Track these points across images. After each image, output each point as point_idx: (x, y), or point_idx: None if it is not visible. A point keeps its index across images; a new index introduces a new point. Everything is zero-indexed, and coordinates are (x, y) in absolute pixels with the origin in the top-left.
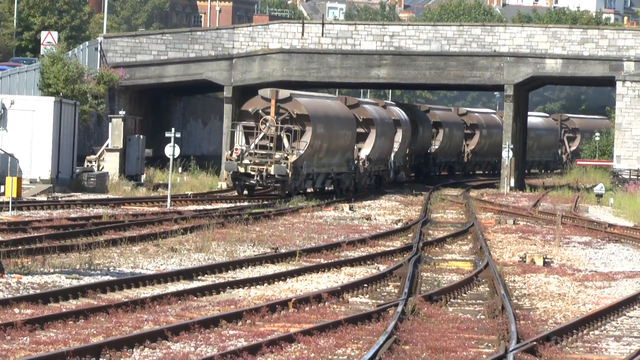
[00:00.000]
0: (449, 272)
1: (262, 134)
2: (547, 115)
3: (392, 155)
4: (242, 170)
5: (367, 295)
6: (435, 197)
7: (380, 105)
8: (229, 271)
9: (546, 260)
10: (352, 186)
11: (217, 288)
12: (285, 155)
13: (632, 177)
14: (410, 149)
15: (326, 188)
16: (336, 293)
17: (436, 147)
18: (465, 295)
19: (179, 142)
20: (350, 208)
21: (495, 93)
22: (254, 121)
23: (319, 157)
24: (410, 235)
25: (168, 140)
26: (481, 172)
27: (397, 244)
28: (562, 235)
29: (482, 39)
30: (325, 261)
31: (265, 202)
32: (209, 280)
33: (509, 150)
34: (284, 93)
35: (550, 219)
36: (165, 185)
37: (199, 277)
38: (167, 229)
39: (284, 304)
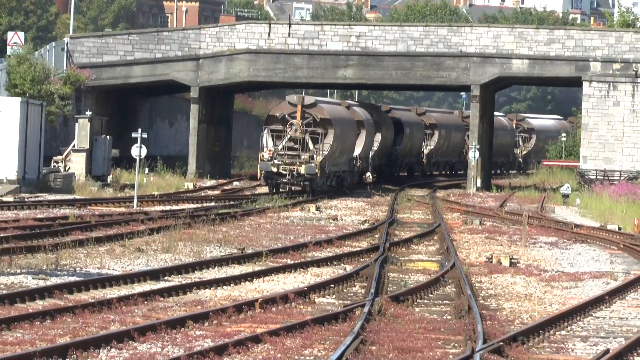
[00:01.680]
0: (415, 272)
1: (288, 137)
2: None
3: (370, 154)
4: (274, 170)
5: (334, 296)
6: (401, 198)
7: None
8: (196, 272)
9: (513, 260)
10: (354, 183)
11: (184, 288)
12: (311, 155)
13: (598, 177)
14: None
15: (333, 184)
16: (303, 293)
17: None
18: (431, 295)
19: (146, 143)
20: (317, 208)
21: (461, 93)
22: (281, 125)
23: (334, 157)
24: (376, 235)
25: (135, 140)
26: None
27: (363, 244)
28: (528, 235)
29: (448, 40)
30: (292, 262)
31: (232, 202)
32: (175, 280)
33: (475, 151)
34: (309, 99)
35: (516, 219)
36: (132, 186)
37: (166, 278)
38: (133, 230)
39: (250, 304)
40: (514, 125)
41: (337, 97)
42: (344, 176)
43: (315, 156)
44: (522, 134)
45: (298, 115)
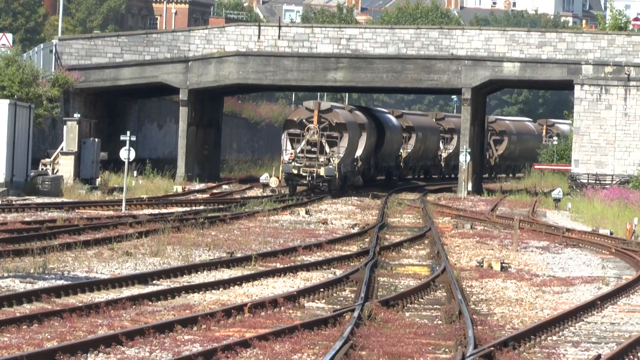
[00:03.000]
0: (405, 277)
1: (305, 140)
2: (531, 120)
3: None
4: (295, 171)
5: (324, 300)
6: (392, 202)
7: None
8: (184, 276)
9: (504, 265)
10: (357, 183)
11: (172, 293)
12: (328, 158)
13: (590, 181)
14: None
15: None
16: (292, 298)
17: (380, 151)
18: (422, 300)
19: (134, 146)
20: (307, 212)
21: (452, 97)
22: (298, 129)
23: (346, 159)
24: (366, 239)
25: (123, 143)
26: (411, 177)
27: (353, 248)
28: (519, 240)
29: (439, 42)
30: (281, 266)
31: (221, 206)
32: (164, 284)
33: (466, 154)
34: (325, 105)
35: (507, 223)
36: (120, 189)
37: (154, 282)
38: (122, 233)
39: (239, 308)
40: (544, 131)
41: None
42: (349, 176)
43: (331, 158)
44: (493, 137)
45: (315, 119)
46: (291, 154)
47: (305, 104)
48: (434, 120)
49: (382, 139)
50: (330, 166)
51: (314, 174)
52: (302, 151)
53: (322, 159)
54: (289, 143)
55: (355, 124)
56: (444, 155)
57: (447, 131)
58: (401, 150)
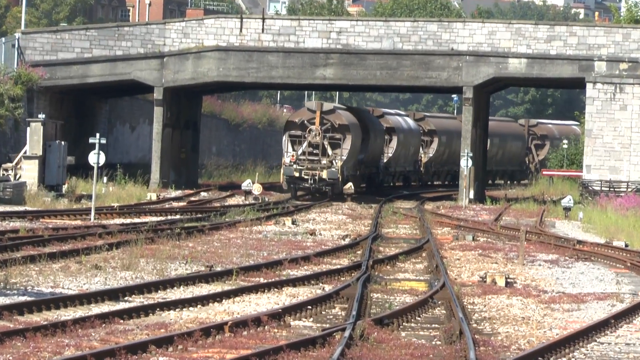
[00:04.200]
0: (401, 293)
1: (307, 142)
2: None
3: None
4: (297, 174)
5: (311, 319)
6: (386, 210)
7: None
8: (159, 291)
9: (509, 280)
10: (360, 186)
11: (146, 310)
12: (331, 160)
13: (603, 188)
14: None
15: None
16: (277, 316)
17: (363, 156)
18: (419, 318)
19: (105, 149)
20: (293, 222)
21: (453, 96)
22: (300, 130)
23: (349, 161)
24: (359, 252)
25: (92, 146)
26: (391, 185)
27: (344, 261)
28: (526, 252)
29: (438, 36)
30: (265, 280)
31: (200, 215)
32: (136, 301)
33: (467, 159)
34: (327, 105)
35: (513, 234)
36: (89, 197)
37: (126, 298)
38: (90, 245)
39: (219, 327)
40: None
41: (315, 99)
42: (352, 180)
43: (334, 161)
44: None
45: (317, 121)
46: (292, 156)
47: (307, 104)
48: (414, 120)
49: (366, 142)
50: (333, 169)
51: (316, 177)
52: (303, 153)
53: (324, 161)
54: (290, 145)
55: (357, 126)
56: (424, 159)
57: (427, 133)
58: (383, 156)
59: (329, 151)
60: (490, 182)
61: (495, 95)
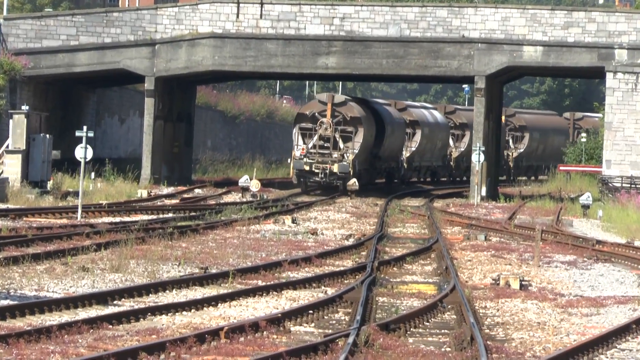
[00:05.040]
0: (409, 296)
1: (318, 135)
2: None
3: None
4: (307, 168)
5: (313, 324)
6: (392, 208)
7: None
8: (150, 295)
9: (523, 283)
10: (372, 181)
11: (136, 314)
12: (342, 154)
13: (624, 185)
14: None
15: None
16: (276, 321)
17: (378, 149)
18: (428, 323)
19: (92, 143)
20: (293, 221)
21: (464, 86)
22: (310, 123)
23: (361, 155)
24: (363, 253)
25: (79, 140)
26: (420, 180)
27: (348, 263)
28: (542, 253)
29: (448, 22)
30: (264, 283)
31: (193, 214)
32: (126, 305)
33: (479, 154)
34: (339, 97)
35: (528, 234)
36: (76, 193)
37: (115, 302)
38: (77, 245)
39: (214, 333)
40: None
41: (317, 90)
42: (364, 174)
43: (345, 155)
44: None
45: (328, 113)
46: (302, 149)
47: (318, 96)
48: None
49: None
50: (345, 162)
51: (327, 171)
52: (314, 146)
53: (335, 154)
54: (300, 138)
55: (370, 119)
56: (454, 154)
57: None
58: (451, 149)
59: (341, 144)
60: (533, 178)
61: (509, 86)
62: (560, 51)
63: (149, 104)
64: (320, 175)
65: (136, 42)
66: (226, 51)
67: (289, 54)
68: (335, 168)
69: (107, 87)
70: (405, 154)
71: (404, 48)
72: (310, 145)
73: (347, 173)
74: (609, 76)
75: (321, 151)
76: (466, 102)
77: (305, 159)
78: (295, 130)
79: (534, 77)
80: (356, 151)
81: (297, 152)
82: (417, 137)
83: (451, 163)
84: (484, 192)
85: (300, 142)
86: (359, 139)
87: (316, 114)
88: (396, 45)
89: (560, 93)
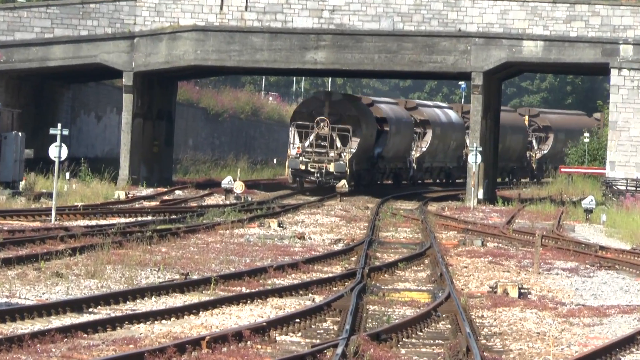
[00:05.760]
0: (401, 304)
1: (315, 134)
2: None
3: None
4: (302, 167)
5: (300, 333)
6: (384, 212)
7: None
8: (128, 302)
9: (522, 291)
10: (374, 182)
11: (113, 323)
12: (339, 153)
13: (629, 188)
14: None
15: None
16: (261, 330)
17: (381, 149)
18: (421, 333)
19: (67, 141)
20: (279, 224)
21: (460, 83)
22: (307, 121)
23: (359, 155)
24: (353, 258)
25: (53, 138)
26: (434, 181)
27: (337, 269)
28: (542, 260)
29: (444, 16)
30: (248, 290)
31: (174, 216)
32: (102, 313)
33: (476, 154)
34: (337, 95)
35: (527, 239)
36: (50, 195)
37: (91, 309)
38: (51, 249)
39: (195, 343)
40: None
41: (305, 86)
42: (363, 175)
43: (342, 154)
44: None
45: (326, 111)
46: (298, 148)
47: (315, 94)
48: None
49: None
50: (341, 162)
51: (323, 170)
52: (310, 145)
53: (332, 154)
54: (296, 136)
55: (371, 118)
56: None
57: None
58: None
59: (338, 143)
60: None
61: (508, 83)
62: (562, 46)
63: (127, 100)
64: (316, 175)
65: (114, 35)
66: (209, 45)
67: (275, 48)
68: (332, 167)
69: (83, 83)
70: (415, 154)
71: (397, 42)
72: (306, 144)
73: (343, 173)
74: (613, 73)
75: (317, 150)
76: (462, 100)
77: (301, 158)
78: (292, 129)
79: (534, 74)
80: (353, 150)
81: (292, 151)
82: (428, 137)
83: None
84: (480, 195)
85: (297, 140)
86: (356, 138)
87: (313, 111)
88: (389, 40)
89: (562, 91)
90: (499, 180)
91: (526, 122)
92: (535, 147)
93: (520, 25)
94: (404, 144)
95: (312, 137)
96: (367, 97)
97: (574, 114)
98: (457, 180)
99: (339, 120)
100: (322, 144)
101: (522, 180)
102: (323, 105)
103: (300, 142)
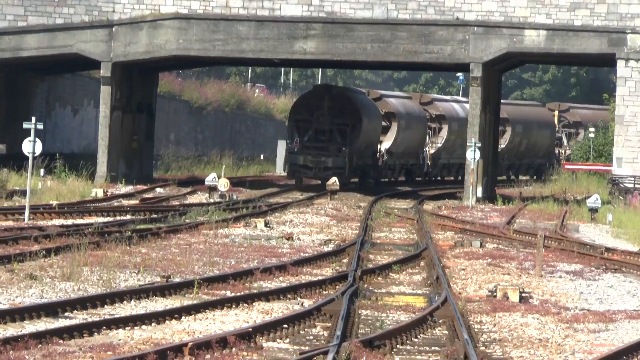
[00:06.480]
0: (395, 309)
1: (314, 128)
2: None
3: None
4: (301, 162)
5: (288, 340)
6: (377, 211)
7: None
8: (106, 306)
9: (523, 295)
10: (379, 179)
11: (90, 328)
12: (339, 148)
13: (637, 185)
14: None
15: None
16: (246, 336)
17: (389, 144)
18: (416, 340)
19: (42, 136)
20: (266, 224)
21: (458, 74)
22: (307, 115)
23: (361, 149)
24: (344, 260)
25: (27, 132)
26: (454, 178)
27: (327, 272)
28: (544, 262)
29: (441, 3)
30: (233, 294)
31: (155, 216)
32: (79, 317)
33: (475, 150)
34: (337, 88)
35: (529, 240)
36: (23, 193)
37: (67, 314)
38: (24, 250)
39: (177, 349)
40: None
41: (294, 77)
42: (368, 170)
43: (342, 148)
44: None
45: (326, 105)
46: (296, 142)
47: (315, 86)
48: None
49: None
50: (340, 157)
51: (321, 166)
52: (309, 139)
53: (331, 148)
54: (295, 130)
55: (375, 112)
56: None
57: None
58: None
59: (338, 138)
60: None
61: (509, 74)
62: (565, 36)
63: (105, 92)
64: (314, 170)
65: (91, 24)
66: (192, 34)
67: (262, 37)
68: (330, 162)
69: (58, 74)
70: (430, 150)
71: (390, 31)
72: (305, 138)
73: (342, 168)
74: (620, 64)
75: (316, 144)
76: (460, 93)
77: (299, 153)
78: (291, 122)
79: (536, 65)
80: (354, 145)
81: (291, 145)
82: (444, 132)
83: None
84: (479, 194)
85: (296, 134)
86: (357, 132)
87: (313, 105)
88: (382, 28)
89: (566, 83)
90: (525, 177)
91: (555, 118)
92: (565, 143)
93: (521, 14)
94: (416, 140)
95: (311, 131)
96: (376, 91)
97: (607, 109)
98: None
99: (339, 114)
100: (321, 138)
101: (552, 177)
102: (323, 98)
103: (299, 136)
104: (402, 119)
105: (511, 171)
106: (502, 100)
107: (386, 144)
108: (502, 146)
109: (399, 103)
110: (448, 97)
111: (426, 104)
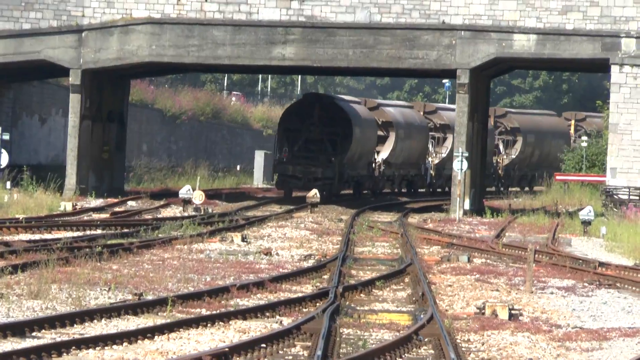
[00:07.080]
0: (378, 327)
1: (304, 137)
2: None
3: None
4: (290, 172)
5: None
6: (360, 224)
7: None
8: (75, 325)
9: (513, 312)
10: (376, 191)
11: (59, 348)
12: (329, 158)
13: (631, 197)
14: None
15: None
16: (222, 356)
17: (386, 154)
18: (401, 359)
19: (7, 147)
20: (243, 239)
21: (444, 81)
22: (297, 124)
23: (353, 160)
24: (325, 276)
25: None
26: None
27: (307, 288)
28: (535, 277)
29: (426, 6)
30: (208, 312)
31: (126, 230)
32: (47, 337)
33: (462, 160)
34: (328, 97)
35: (518, 255)
36: None
37: (34, 333)
38: None
39: None
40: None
41: (272, 84)
42: (362, 181)
43: (333, 159)
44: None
45: (316, 114)
46: (285, 152)
47: (306, 95)
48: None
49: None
50: (330, 167)
51: (311, 176)
52: (299, 149)
53: (322, 158)
54: (285, 140)
55: (371, 121)
56: (504, 162)
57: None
58: (501, 156)
59: (328, 147)
60: None
61: (497, 81)
62: (557, 40)
63: (74, 101)
64: (304, 180)
65: (60, 29)
66: (165, 39)
67: (238, 42)
68: (320, 173)
69: (25, 82)
70: (434, 160)
71: (373, 36)
72: (295, 148)
73: (332, 178)
74: (614, 70)
75: (306, 154)
76: (447, 100)
77: (289, 163)
78: (281, 131)
79: (526, 71)
80: (345, 155)
81: (280, 155)
82: (448, 142)
83: (499, 171)
84: (467, 206)
85: (285, 144)
86: (348, 142)
87: (303, 113)
88: (364, 33)
89: (557, 89)
90: (541, 189)
91: (572, 127)
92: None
93: (511, 17)
94: (417, 150)
95: (301, 141)
96: (373, 100)
97: None
98: (487, 189)
99: (329, 124)
100: (311, 148)
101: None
102: (313, 107)
103: (289, 146)
104: (400, 128)
105: (524, 182)
106: (512, 110)
107: (383, 154)
108: (513, 157)
109: (397, 112)
110: (453, 106)
111: (430, 113)
